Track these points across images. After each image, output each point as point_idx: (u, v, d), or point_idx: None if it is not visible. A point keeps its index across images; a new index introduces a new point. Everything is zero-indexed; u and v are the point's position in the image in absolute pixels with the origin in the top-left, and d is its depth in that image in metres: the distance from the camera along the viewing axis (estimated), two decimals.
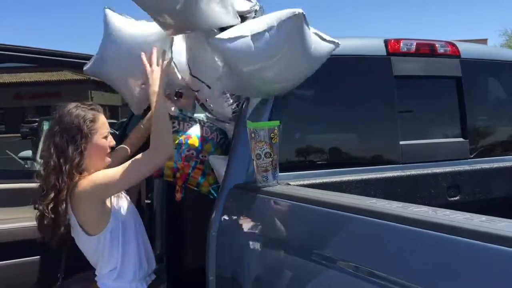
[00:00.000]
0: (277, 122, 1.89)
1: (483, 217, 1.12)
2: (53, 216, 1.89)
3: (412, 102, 2.54)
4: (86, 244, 2.03)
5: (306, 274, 1.55)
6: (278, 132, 1.88)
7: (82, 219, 1.96)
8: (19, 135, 27.31)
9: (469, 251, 1.03)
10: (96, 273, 2.10)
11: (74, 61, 2.87)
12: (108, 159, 2.07)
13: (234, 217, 2.05)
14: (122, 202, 2.09)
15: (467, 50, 2.65)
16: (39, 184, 1.97)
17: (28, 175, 2.27)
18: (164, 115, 2.03)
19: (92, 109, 2.02)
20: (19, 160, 9.13)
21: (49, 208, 1.89)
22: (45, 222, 1.93)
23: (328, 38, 2.01)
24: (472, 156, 2.60)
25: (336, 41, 2.01)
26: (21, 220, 2.48)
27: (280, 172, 1.95)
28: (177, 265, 3.14)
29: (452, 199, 2.37)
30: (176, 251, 3.14)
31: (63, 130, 1.94)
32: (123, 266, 2.05)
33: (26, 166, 8.36)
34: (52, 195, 1.89)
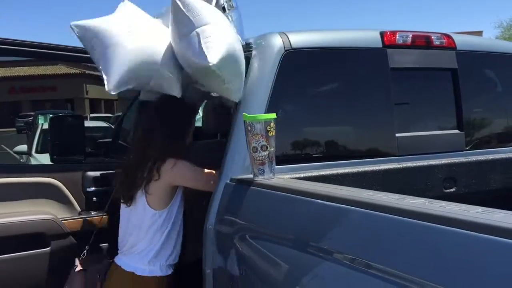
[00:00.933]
0: (273, 115, 1.88)
1: (479, 208, 1.12)
2: (151, 181, 2.16)
3: (408, 94, 2.54)
4: (144, 217, 2.20)
5: (303, 267, 1.54)
6: (275, 125, 1.88)
7: (154, 192, 2.19)
8: (14, 129, 27.21)
9: (465, 243, 1.03)
10: (128, 252, 2.24)
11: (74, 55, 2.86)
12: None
13: (231, 210, 2.05)
14: (182, 193, 2.33)
15: (463, 42, 2.65)
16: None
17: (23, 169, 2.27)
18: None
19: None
20: (15, 155, 9.13)
21: (151, 175, 2.16)
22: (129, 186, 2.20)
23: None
24: (468, 148, 2.61)
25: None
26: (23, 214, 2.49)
27: (276, 165, 1.95)
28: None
29: (448, 191, 2.37)
30: None
31: (175, 116, 2.30)
32: (162, 249, 2.23)
33: (21, 160, 8.36)
34: (152, 166, 2.17)
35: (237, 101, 2.18)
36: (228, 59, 1.95)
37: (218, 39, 1.92)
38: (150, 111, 2.34)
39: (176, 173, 2.19)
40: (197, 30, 1.93)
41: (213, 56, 1.87)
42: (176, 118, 2.28)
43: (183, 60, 2.06)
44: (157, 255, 2.22)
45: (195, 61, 1.94)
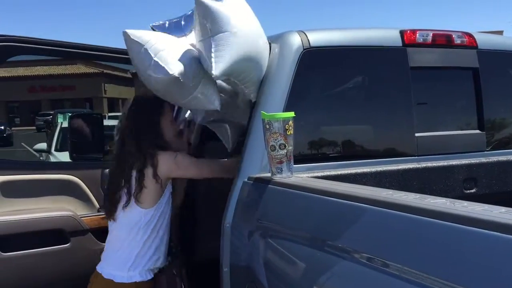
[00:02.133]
0: (292, 114, 1.88)
1: (503, 209, 1.10)
2: (141, 189, 2.09)
3: (428, 94, 2.51)
4: (130, 216, 2.15)
5: (321, 265, 1.54)
6: (293, 123, 1.87)
7: (144, 190, 2.13)
8: (34, 127, 27.60)
9: (489, 243, 1.02)
10: (109, 258, 2.19)
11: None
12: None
13: (249, 209, 2.05)
14: (169, 193, 2.27)
15: (484, 41, 2.61)
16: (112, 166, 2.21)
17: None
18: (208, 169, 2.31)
19: None
20: (34, 153, 9.27)
21: (142, 181, 2.10)
22: (116, 198, 2.15)
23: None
24: (488, 148, 2.57)
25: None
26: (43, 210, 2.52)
27: (294, 164, 1.94)
28: (191, 256, 3.16)
29: (468, 191, 2.34)
30: (190, 243, 3.16)
31: (147, 113, 2.22)
32: (143, 251, 2.16)
33: (41, 158, 8.49)
34: (141, 172, 2.11)
35: (253, 100, 2.18)
36: (239, 66, 1.96)
37: (230, 49, 1.91)
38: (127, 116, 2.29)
39: (162, 164, 2.14)
40: (212, 38, 1.91)
41: (218, 68, 1.88)
42: (143, 115, 2.23)
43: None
44: (138, 258, 2.16)
45: (204, 66, 1.98)
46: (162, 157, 2.14)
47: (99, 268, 2.20)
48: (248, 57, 1.99)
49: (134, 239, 2.15)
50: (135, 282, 2.14)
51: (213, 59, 1.88)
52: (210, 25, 1.91)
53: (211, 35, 1.91)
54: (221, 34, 1.90)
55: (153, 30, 2.26)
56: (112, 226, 2.22)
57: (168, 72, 1.89)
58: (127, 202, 2.12)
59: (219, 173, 2.28)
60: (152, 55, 1.93)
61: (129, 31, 2.01)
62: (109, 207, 2.19)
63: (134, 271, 2.14)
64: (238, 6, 2.04)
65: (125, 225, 2.17)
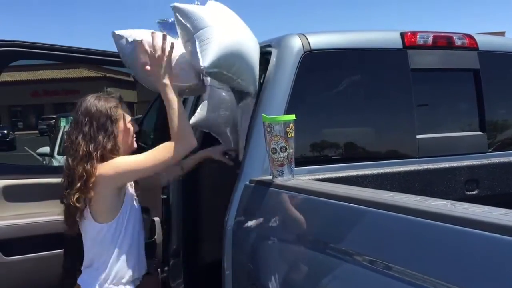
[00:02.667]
0: (292, 116, 1.88)
1: (503, 210, 1.11)
2: (78, 205, 1.94)
3: (429, 96, 2.51)
4: (91, 231, 2.04)
5: (323, 268, 1.54)
6: (294, 126, 1.87)
7: (95, 205, 1.99)
8: (37, 131, 27.66)
9: (489, 245, 1.02)
10: (86, 268, 2.09)
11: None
12: (135, 144, 2.16)
13: (250, 211, 2.06)
14: (132, 200, 2.13)
15: (485, 42, 2.61)
16: (62, 178, 2.03)
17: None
18: (179, 105, 2.07)
19: (112, 97, 2.11)
20: (37, 157, 9.29)
21: (75, 198, 1.93)
22: (69, 212, 2.00)
23: None
24: (490, 150, 2.57)
25: None
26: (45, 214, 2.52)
27: (295, 167, 1.95)
28: (193, 259, 3.16)
29: (470, 193, 2.34)
30: (192, 246, 3.16)
31: (91, 119, 2.02)
32: (116, 264, 2.04)
33: (44, 162, 8.51)
34: (79, 184, 1.93)
35: (253, 93, 2.20)
36: (227, 57, 1.99)
37: (213, 40, 1.96)
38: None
39: (105, 176, 1.97)
40: (195, 35, 1.98)
41: (206, 59, 1.93)
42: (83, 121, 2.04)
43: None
44: (114, 271, 2.03)
45: (196, 66, 2.01)
46: (102, 167, 1.99)
47: (79, 279, 2.10)
48: (235, 48, 2.03)
49: (105, 252, 2.04)
50: None
51: (199, 54, 1.94)
52: (191, 25, 1.99)
53: (194, 33, 1.98)
54: (202, 30, 1.97)
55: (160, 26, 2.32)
56: (83, 238, 2.10)
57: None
58: (78, 215, 2.01)
59: (165, 159, 2.05)
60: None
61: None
62: (66, 221, 2.07)
63: (111, 283, 2.04)
64: (216, 6, 2.15)
65: (91, 239, 2.07)
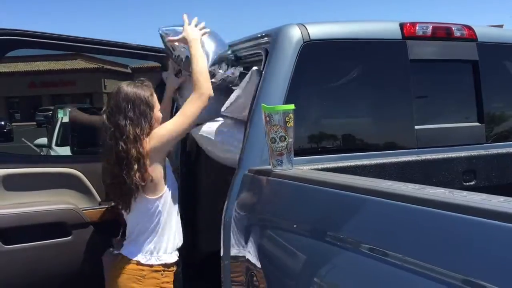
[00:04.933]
0: (292, 106, 1.89)
1: (501, 198, 1.11)
2: (143, 183, 2.10)
3: (428, 87, 2.52)
4: (141, 205, 2.17)
5: (321, 256, 1.55)
6: (293, 116, 1.88)
7: (148, 180, 2.14)
8: (34, 123, 27.57)
9: (487, 231, 1.03)
10: (132, 241, 2.21)
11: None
12: None
13: (249, 201, 2.07)
14: (172, 175, 2.32)
15: (484, 33, 2.61)
16: (108, 161, 2.16)
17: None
18: (202, 57, 2.38)
19: (146, 85, 2.26)
20: (35, 148, 9.27)
21: (137, 176, 2.09)
22: (121, 191, 2.13)
23: None
24: (488, 141, 2.58)
25: None
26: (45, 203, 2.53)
27: (294, 157, 1.95)
28: (192, 250, 3.17)
29: (467, 184, 2.35)
30: (190, 236, 3.17)
31: (133, 105, 2.16)
32: (163, 236, 2.20)
33: (41, 153, 8.49)
34: (136, 165, 2.09)
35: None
36: None
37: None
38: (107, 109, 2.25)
39: (155, 145, 2.15)
40: None
41: None
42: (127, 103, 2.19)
43: None
44: (161, 241, 2.20)
45: None
46: (149, 143, 2.15)
47: (124, 251, 2.21)
48: None
49: (156, 224, 2.19)
50: (161, 264, 2.18)
51: None
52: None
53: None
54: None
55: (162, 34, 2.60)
56: (127, 216, 2.25)
57: None
58: (134, 196, 2.13)
59: (195, 113, 2.26)
60: None
61: None
62: (121, 203, 2.19)
63: (163, 254, 2.20)
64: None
65: (140, 213, 2.19)
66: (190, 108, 2.25)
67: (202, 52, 2.39)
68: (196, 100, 2.26)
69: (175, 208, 2.29)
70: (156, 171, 2.17)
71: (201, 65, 2.33)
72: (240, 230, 2.04)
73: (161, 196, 2.19)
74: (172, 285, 2.24)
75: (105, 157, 2.19)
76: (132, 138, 2.11)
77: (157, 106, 2.28)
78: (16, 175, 2.52)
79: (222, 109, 2.45)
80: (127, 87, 2.20)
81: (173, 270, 2.26)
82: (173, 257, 2.26)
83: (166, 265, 2.21)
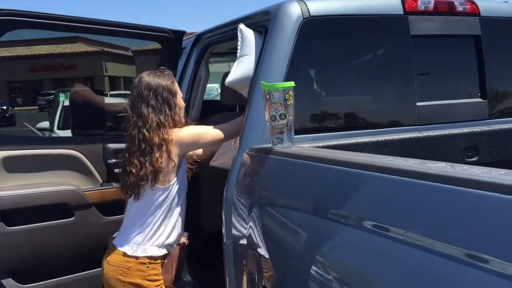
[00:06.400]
0: (292, 83, 1.87)
1: (502, 171, 1.10)
2: (161, 170, 2.11)
3: (430, 62, 2.49)
4: (148, 194, 2.16)
5: (324, 233, 1.55)
6: (293, 93, 1.86)
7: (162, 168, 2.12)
8: (36, 107, 27.57)
9: (489, 204, 1.02)
10: (125, 231, 2.20)
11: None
12: (183, 119, 2.32)
13: (250, 180, 2.06)
14: (184, 170, 2.29)
15: (487, 8, 2.57)
16: (130, 148, 2.15)
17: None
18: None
19: (167, 74, 2.26)
20: (37, 132, 9.30)
21: (159, 162, 2.10)
22: (136, 180, 2.11)
23: None
24: (491, 117, 2.56)
25: None
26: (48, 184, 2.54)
27: (294, 135, 1.94)
28: (194, 229, 3.18)
29: (470, 160, 2.34)
30: (192, 216, 3.18)
31: (156, 93, 2.18)
32: (161, 227, 2.18)
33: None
34: (158, 153, 2.10)
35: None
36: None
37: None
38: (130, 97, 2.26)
39: (183, 140, 2.17)
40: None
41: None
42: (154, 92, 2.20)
43: None
44: (151, 235, 2.17)
45: None
46: (179, 133, 2.16)
47: (115, 241, 2.21)
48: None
49: (152, 216, 2.17)
50: (149, 256, 2.15)
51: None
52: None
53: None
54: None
55: None
56: (131, 202, 2.23)
57: None
58: (150, 183, 2.13)
59: (230, 134, 2.29)
60: None
61: None
62: (132, 190, 2.16)
63: (150, 246, 2.16)
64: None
65: (143, 202, 2.18)
66: (227, 130, 2.27)
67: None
68: (235, 127, 2.26)
69: (179, 204, 2.25)
70: (174, 160, 2.15)
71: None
72: (241, 209, 2.04)
73: (168, 187, 2.17)
74: (159, 277, 2.20)
75: (127, 145, 2.19)
76: (155, 126, 2.12)
77: (180, 94, 2.28)
78: (17, 157, 2.52)
79: (227, 81, 2.40)
80: (148, 77, 2.21)
81: (161, 263, 2.22)
82: (162, 251, 2.20)
83: (153, 258, 2.16)
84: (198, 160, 2.55)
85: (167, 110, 2.17)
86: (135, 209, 2.20)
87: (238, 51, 2.32)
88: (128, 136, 2.18)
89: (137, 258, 2.13)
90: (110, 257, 2.17)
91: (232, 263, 2.09)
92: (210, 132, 2.26)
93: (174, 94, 2.22)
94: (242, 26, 2.36)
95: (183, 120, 2.30)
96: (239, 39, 2.34)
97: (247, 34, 2.33)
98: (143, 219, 2.17)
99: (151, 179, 2.12)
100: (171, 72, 2.30)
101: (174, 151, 2.14)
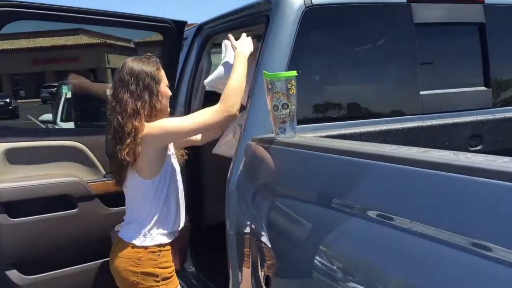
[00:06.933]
0: (294, 73, 1.85)
1: (506, 158, 1.09)
2: (128, 159, 2.06)
3: (433, 51, 2.47)
4: (135, 186, 2.17)
5: (327, 223, 1.54)
6: (296, 82, 1.85)
7: (141, 161, 2.10)
8: (39, 100, 27.60)
9: (493, 192, 1.01)
10: (127, 223, 2.21)
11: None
12: (169, 108, 2.28)
13: (252, 169, 2.05)
14: (173, 159, 2.27)
15: None
16: (110, 136, 2.14)
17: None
18: (242, 76, 2.22)
19: (153, 60, 2.21)
20: (40, 124, 9.30)
21: (125, 152, 2.04)
22: (119, 168, 2.12)
23: None
24: (495, 105, 2.54)
25: None
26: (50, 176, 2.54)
27: (297, 125, 1.93)
28: (197, 220, 3.19)
29: (473, 148, 2.33)
30: (195, 206, 3.18)
31: (137, 79, 2.12)
32: (161, 217, 2.18)
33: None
34: (128, 140, 2.04)
35: None
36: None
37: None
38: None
39: (153, 134, 2.10)
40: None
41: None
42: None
43: None
44: (156, 224, 2.17)
45: None
46: (150, 126, 2.10)
47: (121, 234, 2.22)
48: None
49: (153, 206, 2.17)
50: (155, 245, 2.16)
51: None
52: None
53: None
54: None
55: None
56: (127, 193, 2.24)
57: None
58: (128, 169, 2.12)
59: (208, 122, 2.17)
60: None
61: None
62: (116, 177, 2.20)
63: (154, 235, 2.17)
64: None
65: (135, 194, 2.20)
66: (206, 117, 2.17)
67: (245, 70, 2.24)
68: (216, 113, 2.16)
69: (176, 191, 2.25)
70: (150, 154, 2.11)
71: (238, 82, 2.19)
72: (244, 199, 2.04)
73: (155, 180, 2.15)
74: (171, 264, 2.22)
75: (108, 131, 2.19)
76: (130, 112, 2.07)
77: (165, 82, 2.22)
78: (21, 149, 2.52)
79: (205, 81, 2.50)
80: (132, 62, 2.17)
81: (170, 249, 2.23)
82: (169, 238, 2.22)
83: (162, 245, 2.17)
84: (198, 145, 2.57)
85: (146, 97, 2.11)
86: (134, 201, 2.21)
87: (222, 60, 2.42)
88: (108, 122, 2.17)
89: (146, 247, 2.14)
90: (118, 250, 2.17)
91: (235, 252, 2.09)
92: (182, 125, 2.17)
93: (157, 81, 2.16)
94: (227, 42, 2.43)
95: (168, 109, 2.25)
96: (223, 52, 2.44)
97: (230, 49, 2.40)
98: (143, 210, 2.17)
99: (124, 168, 2.10)
100: (157, 59, 2.25)
101: (145, 144, 2.07)
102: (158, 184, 2.16)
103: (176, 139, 2.30)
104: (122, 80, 2.14)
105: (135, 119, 2.06)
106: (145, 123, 2.09)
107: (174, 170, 2.26)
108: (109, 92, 2.20)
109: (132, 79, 2.12)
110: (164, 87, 2.22)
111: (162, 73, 2.22)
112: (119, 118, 2.07)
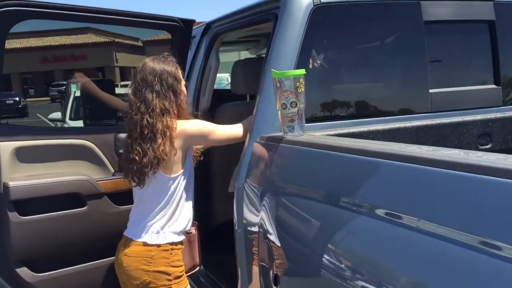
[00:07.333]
0: (302, 71, 1.85)
1: None
2: (165, 157, 2.08)
3: (443, 49, 2.45)
4: (157, 183, 2.16)
5: (336, 221, 1.54)
6: (304, 81, 1.84)
7: (168, 158, 2.11)
8: (48, 98, 27.75)
9: (504, 191, 1.00)
10: (139, 222, 2.19)
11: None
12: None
13: (261, 168, 2.05)
14: (191, 163, 2.29)
15: None
16: (131, 134, 2.14)
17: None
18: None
19: (171, 60, 2.24)
20: (49, 122, 9.36)
21: (160, 150, 2.07)
22: (139, 165, 2.10)
23: None
24: (505, 103, 2.52)
25: None
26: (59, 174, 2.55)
27: (306, 123, 1.93)
28: (205, 218, 3.19)
29: (483, 147, 2.31)
30: (204, 205, 3.19)
31: (160, 79, 2.15)
32: (174, 215, 2.19)
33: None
34: (161, 138, 2.07)
35: None
36: None
37: None
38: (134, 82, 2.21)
39: (188, 133, 2.16)
40: None
41: None
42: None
43: None
44: (169, 221, 2.17)
45: None
46: (184, 125, 2.14)
47: (129, 234, 2.20)
48: None
49: (168, 204, 2.17)
50: (168, 243, 2.14)
51: None
52: None
53: None
54: None
55: None
56: (141, 192, 2.22)
57: None
58: (153, 170, 2.12)
59: (237, 136, 2.28)
60: None
61: None
62: (134, 176, 2.16)
63: (167, 233, 2.16)
64: None
65: (154, 192, 2.18)
66: (234, 132, 2.28)
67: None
68: (243, 130, 2.26)
69: (190, 192, 2.26)
70: (178, 152, 2.13)
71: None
72: (252, 198, 2.04)
73: (176, 177, 2.17)
74: (182, 263, 2.21)
75: (129, 132, 2.18)
76: (159, 112, 2.09)
77: (183, 81, 2.27)
78: (30, 147, 2.53)
79: None
80: (153, 62, 2.18)
81: (181, 248, 2.22)
82: (180, 237, 2.21)
83: (174, 243, 2.16)
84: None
85: (172, 96, 2.15)
86: (148, 199, 2.20)
87: None
88: (129, 122, 2.16)
89: (159, 245, 2.12)
90: (128, 249, 2.15)
91: (244, 251, 2.09)
92: (216, 132, 2.23)
93: (179, 81, 2.20)
94: None
95: (186, 108, 2.27)
96: None
97: None
98: (158, 208, 2.16)
99: (154, 166, 2.10)
100: (174, 58, 2.27)
101: (177, 141, 2.11)
102: (178, 182, 2.18)
103: (206, 144, 2.37)
104: (145, 80, 2.15)
105: (166, 118, 2.10)
106: (177, 120, 2.13)
107: (192, 169, 2.29)
108: (129, 91, 2.19)
109: (156, 79, 2.14)
110: (183, 87, 2.25)
111: (180, 72, 2.25)
112: (147, 117, 2.09)
